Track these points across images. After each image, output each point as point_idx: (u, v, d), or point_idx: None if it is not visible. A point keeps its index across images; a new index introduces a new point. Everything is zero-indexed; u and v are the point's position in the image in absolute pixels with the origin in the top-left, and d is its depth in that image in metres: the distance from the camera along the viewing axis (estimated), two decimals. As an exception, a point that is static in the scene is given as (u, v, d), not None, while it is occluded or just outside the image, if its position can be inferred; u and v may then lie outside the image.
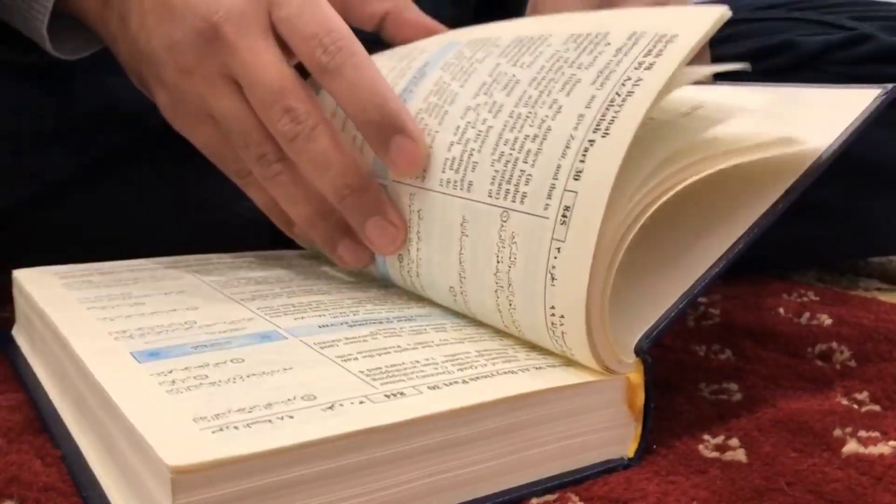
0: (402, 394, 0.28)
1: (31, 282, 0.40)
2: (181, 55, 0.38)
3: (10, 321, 0.43)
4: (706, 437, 0.33)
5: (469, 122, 0.35)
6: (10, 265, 0.42)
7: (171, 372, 0.29)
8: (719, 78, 0.47)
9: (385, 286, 0.41)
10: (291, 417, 0.26)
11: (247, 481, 0.24)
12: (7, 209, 0.50)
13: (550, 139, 0.31)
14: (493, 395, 0.28)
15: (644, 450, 0.31)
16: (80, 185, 0.52)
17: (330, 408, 0.27)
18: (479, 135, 0.34)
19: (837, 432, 0.33)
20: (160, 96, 0.40)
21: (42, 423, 0.33)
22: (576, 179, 0.30)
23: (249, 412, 0.26)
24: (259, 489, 0.24)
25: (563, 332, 0.30)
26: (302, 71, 0.38)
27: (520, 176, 0.32)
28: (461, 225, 0.34)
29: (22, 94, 0.49)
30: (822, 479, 0.30)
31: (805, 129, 0.34)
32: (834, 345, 0.43)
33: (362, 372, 0.30)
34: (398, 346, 0.32)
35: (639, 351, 0.30)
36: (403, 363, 0.30)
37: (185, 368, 0.30)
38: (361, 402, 0.27)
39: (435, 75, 0.38)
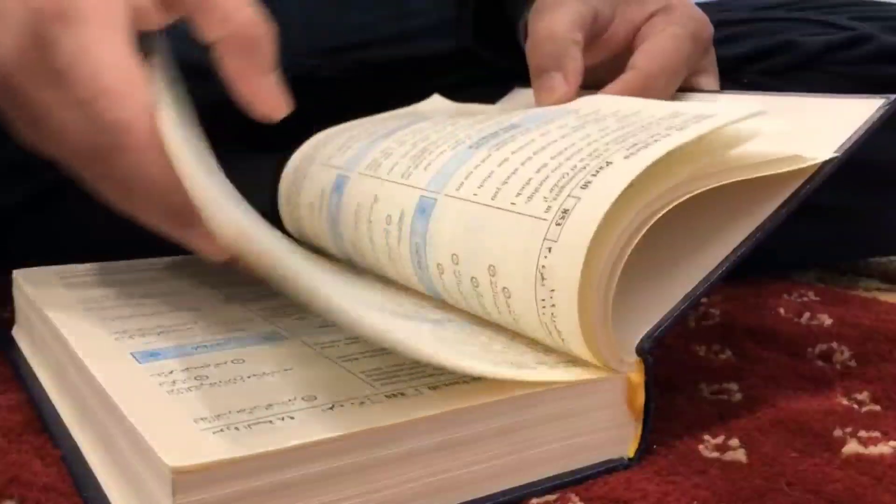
0: (402, 394, 0.28)
1: (31, 282, 0.40)
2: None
3: (10, 321, 0.43)
4: (706, 437, 0.33)
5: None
6: (10, 265, 0.43)
7: (171, 372, 0.29)
8: (721, 82, 0.47)
9: (384, 284, 0.41)
10: (292, 418, 0.26)
11: (247, 482, 0.24)
12: (7, 209, 0.50)
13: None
14: (493, 395, 0.28)
15: (644, 450, 0.31)
16: (79, 185, 0.51)
17: (330, 408, 0.27)
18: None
19: (838, 432, 0.33)
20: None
21: (42, 423, 0.33)
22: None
23: (250, 413, 0.26)
24: (259, 489, 0.24)
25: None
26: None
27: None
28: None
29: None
30: (823, 479, 0.30)
31: (809, 139, 0.34)
32: (834, 345, 0.43)
33: (363, 372, 0.30)
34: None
35: (640, 351, 0.30)
36: (404, 364, 0.30)
37: (186, 369, 0.30)
38: (362, 403, 0.27)
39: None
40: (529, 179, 0.32)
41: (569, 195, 0.30)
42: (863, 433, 0.33)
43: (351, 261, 0.44)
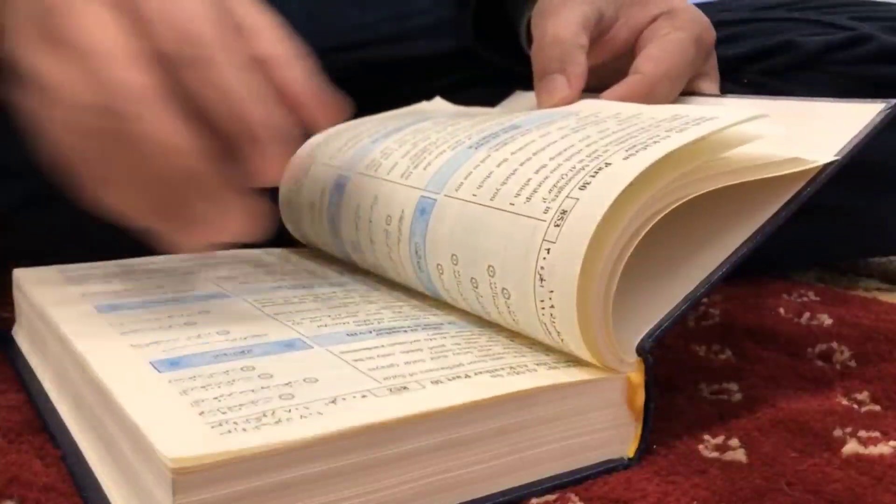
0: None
1: (32, 281, 0.40)
2: None
3: (10, 321, 0.43)
4: (706, 437, 0.33)
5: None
6: (10, 265, 0.43)
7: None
8: (721, 82, 0.48)
9: (384, 288, 0.41)
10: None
11: (247, 481, 0.24)
12: (7, 209, 0.50)
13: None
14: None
15: (644, 450, 0.31)
16: (70, 191, 0.51)
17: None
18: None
19: (837, 432, 0.33)
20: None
21: (42, 423, 0.33)
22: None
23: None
24: (259, 489, 0.24)
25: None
26: None
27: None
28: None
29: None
30: (822, 479, 0.30)
31: (810, 142, 0.34)
32: (834, 345, 0.43)
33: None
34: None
35: (640, 351, 0.30)
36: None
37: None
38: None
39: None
40: (528, 180, 0.32)
41: (567, 196, 0.30)
42: (863, 433, 0.33)
43: (351, 261, 0.44)
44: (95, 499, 0.28)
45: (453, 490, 0.28)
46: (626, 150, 0.31)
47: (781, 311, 0.51)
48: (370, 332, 0.34)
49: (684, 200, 0.30)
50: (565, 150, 0.33)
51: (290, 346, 0.32)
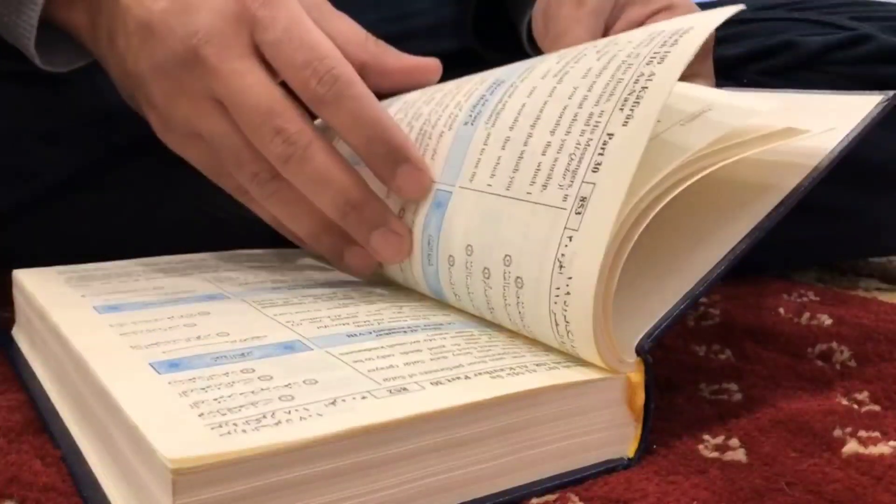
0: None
1: (32, 281, 0.40)
2: (165, 78, 0.37)
3: (10, 321, 0.43)
4: (706, 437, 0.33)
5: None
6: (10, 265, 0.43)
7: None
8: (721, 81, 0.47)
9: (384, 289, 0.41)
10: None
11: (247, 481, 0.24)
12: (8, 209, 0.50)
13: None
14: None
15: (644, 450, 0.31)
16: (79, 185, 0.52)
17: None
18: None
19: (837, 432, 0.33)
20: (150, 116, 0.40)
21: (42, 423, 0.33)
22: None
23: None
24: (259, 489, 0.24)
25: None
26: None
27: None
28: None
29: (22, 96, 0.49)
30: (822, 479, 0.30)
31: (808, 135, 0.34)
32: (834, 345, 0.43)
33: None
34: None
35: (640, 351, 0.30)
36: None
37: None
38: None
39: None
40: (539, 164, 0.32)
41: (583, 181, 0.30)
42: (862, 433, 0.33)
43: None
44: (95, 499, 0.28)
45: (453, 490, 0.28)
46: (621, 109, 0.30)
47: (781, 311, 0.51)
48: (370, 332, 0.34)
49: (687, 185, 0.30)
50: (560, 115, 0.33)
51: (290, 347, 0.32)
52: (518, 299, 0.32)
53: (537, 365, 0.31)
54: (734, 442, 0.33)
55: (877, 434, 0.33)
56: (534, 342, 0.33)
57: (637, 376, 0.31)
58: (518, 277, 0.32)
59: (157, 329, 0.34)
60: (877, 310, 0.51)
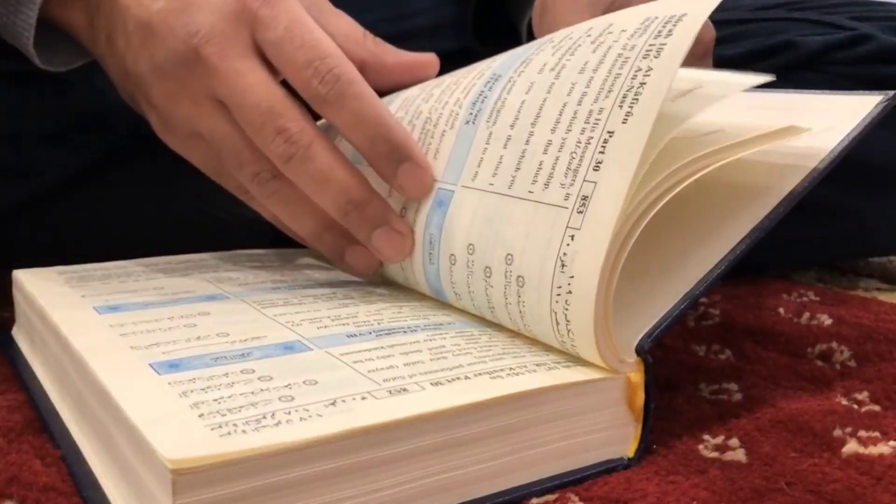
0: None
1: (31, 282, 0.40)
2: (165, 78, 0.37)
3: (10, 321, 0.43)
4: (706, 437, 0.33)
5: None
6: (10, 265, 0.43)
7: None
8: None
9: (384, 290, 0.41)
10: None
11: (247, 481, 0.24)
12: (7, 209, 0.50)
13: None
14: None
15: (644, 450, 0.31)
16: (79, 185, 0.52)
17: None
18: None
19: (837, 432, 0.33)
20: (150, 116, 0.40)
21: (42, 423, 0.33)
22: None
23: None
24: (259, 489, 0.24)
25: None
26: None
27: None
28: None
29: (21, 96, 0.49)
30: (822, 479, 0.30)
31: (808, 135, 0.34)
32: (834, 345, 0.43)
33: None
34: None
35: (640, 350, 0.30)
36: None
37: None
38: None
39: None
40: (541, 163, 0.32)
41: (584, 180, 0.30)
42: (862, 433, 0.33)
43: None
44: (95, 499, 0.28)
45: (453, 490, 0.28)
46: (620, 106, 0.30)
47: (781, 311, 0.51)
48: (370, 333, 0.34)
49: (688, 183, 0.30)
50: (560, 113, 0.33)
51: (289, 348, 0.32)
52: (519, 298, 0.32)
53: (537, 365, 0.31)
54: (734, 442, 0.33)
55: (877, 434, 0.33)
56: (534, 342, 0.33)
57: (637, 376, 0.31)
58: (520, 276, 0.32)
59: (157, 329, 0.34)
60: (877, 310, 0.51)
